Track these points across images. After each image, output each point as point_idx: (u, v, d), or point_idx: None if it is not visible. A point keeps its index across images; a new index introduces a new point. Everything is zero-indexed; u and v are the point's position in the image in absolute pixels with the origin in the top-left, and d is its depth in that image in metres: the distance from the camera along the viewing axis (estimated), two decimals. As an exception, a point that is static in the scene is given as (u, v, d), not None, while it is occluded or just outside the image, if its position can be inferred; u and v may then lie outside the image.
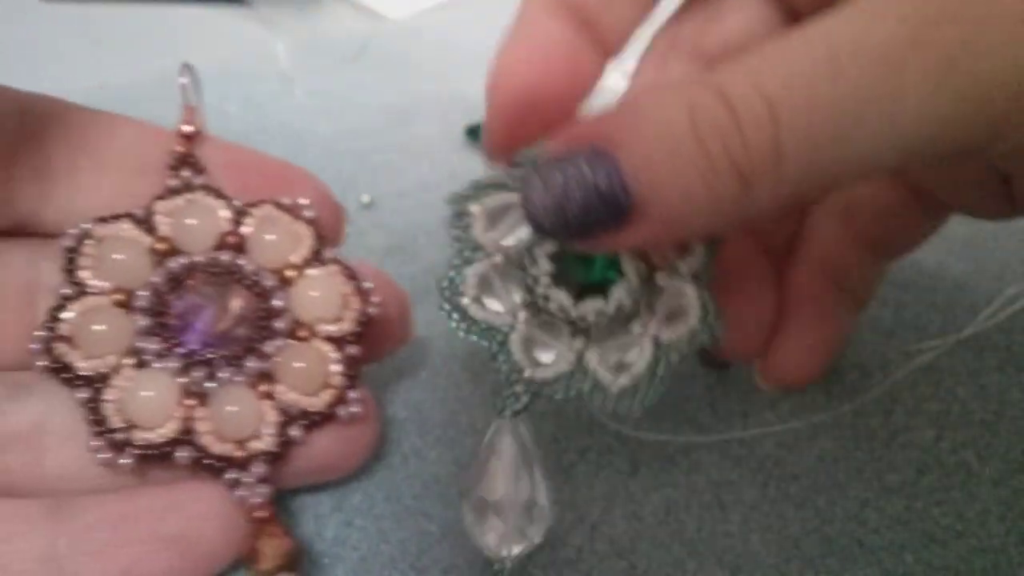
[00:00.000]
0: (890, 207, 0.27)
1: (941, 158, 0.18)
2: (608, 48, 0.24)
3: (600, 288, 0.23)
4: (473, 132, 0.45)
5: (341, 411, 0.26)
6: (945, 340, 0.32)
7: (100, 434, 0.24)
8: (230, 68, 0.49)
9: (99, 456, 0.24)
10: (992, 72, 0.17)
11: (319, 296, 0.26)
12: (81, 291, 0.25)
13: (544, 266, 0.23)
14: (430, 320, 0.32)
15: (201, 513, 0.24)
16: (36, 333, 0.25)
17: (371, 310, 0.27)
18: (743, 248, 0.26)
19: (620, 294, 0.23)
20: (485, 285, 0.24)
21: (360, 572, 0.26)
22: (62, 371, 0.25)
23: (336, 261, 0.27)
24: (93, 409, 0.24)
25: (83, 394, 0.24)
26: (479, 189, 0.24)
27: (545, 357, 0.24)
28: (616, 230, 0.20)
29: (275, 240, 0.27)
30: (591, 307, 0.23)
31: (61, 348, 0.25)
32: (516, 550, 0.24)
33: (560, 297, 0.23)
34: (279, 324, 0.26)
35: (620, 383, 0.23)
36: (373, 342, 0.27)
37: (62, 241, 0.26)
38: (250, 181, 0.28)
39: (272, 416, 0.25)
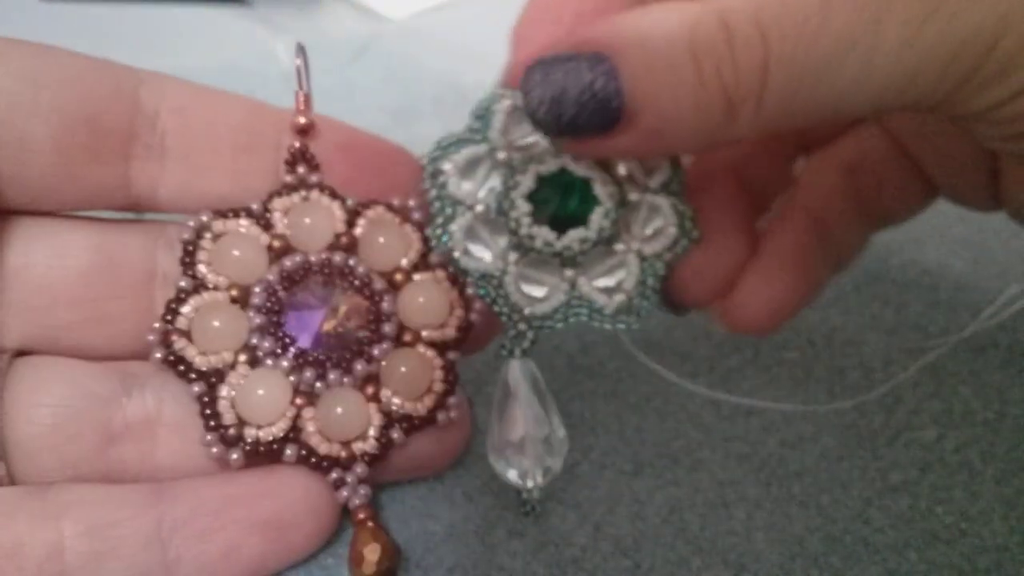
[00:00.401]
0: (893, 175, 0.27)
1: (906, 107, 0.19)
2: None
3: (578, 221, 0.24)
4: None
5: (440, 416, 0.26)
6: (947, 339, 0.32)
7: (213, 429, 0.25)
8: (230, 68, 0.49)
9: (212, 451, 0.24)
10: (962, 31, 0.18)
11: (426, 302, 0.26)
12: (198, 285, 0.26)
13: (523, 207, 0.24)
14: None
15: (295, 499, 0.25)
16: (155, 325, 0.25)
17: (473, 317, 0.27)
18: (723, 187, 0.26)
19: (599, 219, 0.24)
20: (471, 236, 0.25)
21: (364, 572, 0.26)
22: (178, 364, 0.25)
23: (442, 266, 0.27)
24: (207, 404, 0.25)
25: (198, 388, 0.25)
26: (446, 147, 0.25)
27: (539, 293, 0.25)
28: (604, 135, 0.20)
29: (385, 243, 0.27)
30: (575, 236, 0.24)
31: (179, 342, 0.25)
32: (540, 480, 0.25)
33: (544, 233, 0.24)
34: (387, 328, 0.26)
35: (615, 302, 0.25)
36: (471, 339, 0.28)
37: (181, 234, 0.26)
38: (360, 163, 0.28)
39: (376, 420, 0.26)
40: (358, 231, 0.27)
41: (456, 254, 0.25)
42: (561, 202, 0.25)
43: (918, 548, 0.26)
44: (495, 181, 0.25)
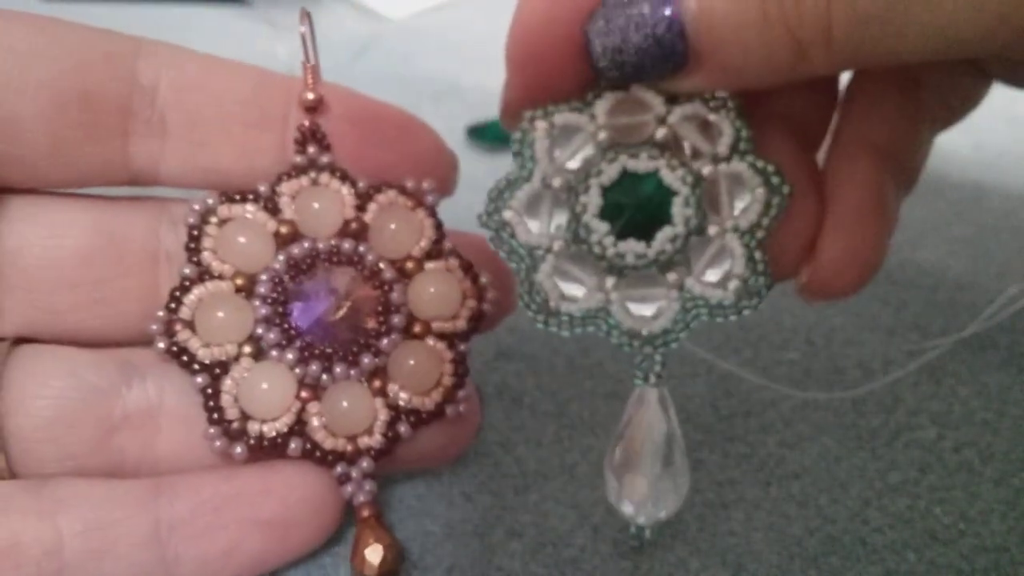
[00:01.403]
0: (951, 75, 0.26)
1: (987, 53, 0.18)
2: None
3: (659, 217, 0.23)
4: (474, 132, 0.45)
5: (449, 409, 0.26)
6: (947, 339, 0.32)
7: (216, 423, 0.24)
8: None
9: (215, 444, 0.24)
10: None
11: (437, 293, 0.26)
12: (203, 273, 0.25)
13: (600, 228, 0.22)
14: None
15: (298, 497, 0.25)
16: (158, 314, 0.25)
17: (486, 308, 0.26)
18: (777, 138, 0.24)
19: (681, 209, 0.22)
20: (561, 276, 0.23)
21: (363, 572, 0.26)
22: (181, 355, 0.25)
23: (455, 254, 0.26)
24: (211, 397, 0.24)
25: (201, 380, 0.24)
26: (497, 196, 0.23)
27: (651, 311, 0.23)
28: (671, 75, 0.20)
29: (397, 230, 0.26)
30: (664, 237, 0.22)
31: (182, 333, 0.25)
32: (659, 516, 0.24)
33: (631, 246, 0.22)
34: (396, 320, 0.25)
35: (732, 291, 0.23)
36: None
37: (186, 216, 0.25)
38: (371, 134, 0.27)
39: (383, 414, 0.25)
40: (368, 217, 0.26)
41: (552, 303, 0.23)
42: (636, 205, 0.23)
43: (917, 548, 0.26)
44: (561, 213, 0.23)
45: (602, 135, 0.23)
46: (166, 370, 0.25)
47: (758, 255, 0.23)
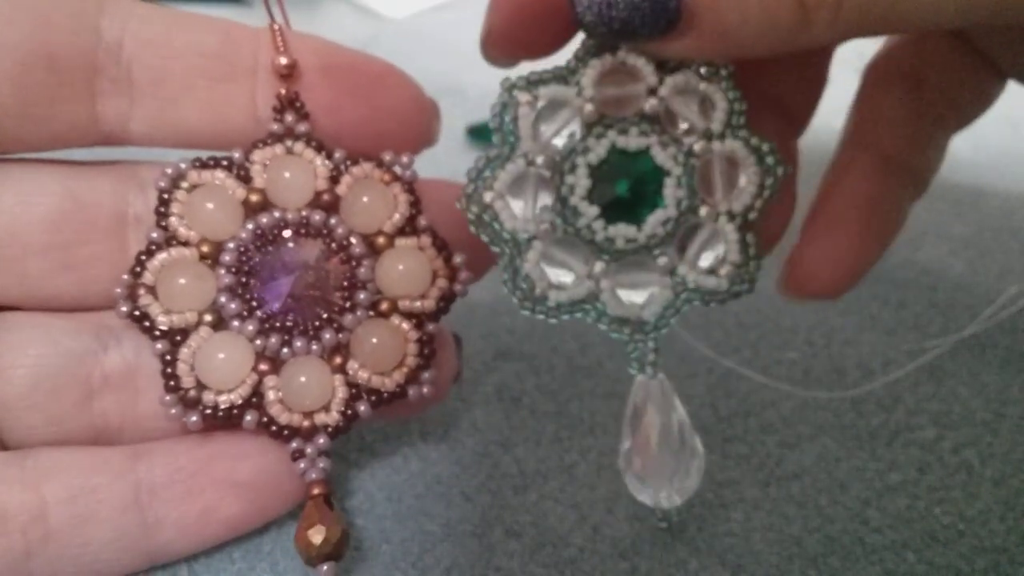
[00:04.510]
0: (961, 75, 0.25)
1: (1002, 21, 0.18)
2: None
3: (646, 196, 0.22)
4: (474, 132, 0.45)
5: (412, 391, 0.25)
6: (946, 340, 0.32)
7: (172, 390, 0.24)
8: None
9: (171, 412, 0.24)
10: None
11: (406, 271, 0.25)
12: (170, 238, 0.25)
13: (590, 212, 0.21)
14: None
15: (271, 460, 0.25)
16: (123, 277, 0.25)
17: (458, 288, 0.26)
18: (756, 115, 0.23)
19: (673, 191, 0.22)
20: (549, 261, 0.23)
21: (361, 572, 0.26)
22: (143, 320, 0.24)
23: (430, 231, 0.26)
24: (167, 364, 0.24)
25: (160, 347, 0.24)
26: (477, 176, 0.22)
27: (641, 298, 0.23)
28: (663, 37, 0.19)
29: (369, 203, 0.25)
30: (656, 221, 0.22)
31: (144, 298, 0.25)
32: (676, 501, 0.24)
33: (622, 231, 0.22)
34: (361, 296, 0.25)
35: (725, 277, 0.22)
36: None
37: (157, 181, 0.25)
38: (345, 86, 0.26)
39: (342, 392, 0.25)
40: (341, 189, 0.26)
41: (539, 291, 0.22)
42: (625, 183, 0.22)
43: (916, 549, 0.26)
44: (546, 193, 0.22)
45: (588, 107, 0.22)
46: (141, 332, 0.25)
47: (750, 238, 0.22)
